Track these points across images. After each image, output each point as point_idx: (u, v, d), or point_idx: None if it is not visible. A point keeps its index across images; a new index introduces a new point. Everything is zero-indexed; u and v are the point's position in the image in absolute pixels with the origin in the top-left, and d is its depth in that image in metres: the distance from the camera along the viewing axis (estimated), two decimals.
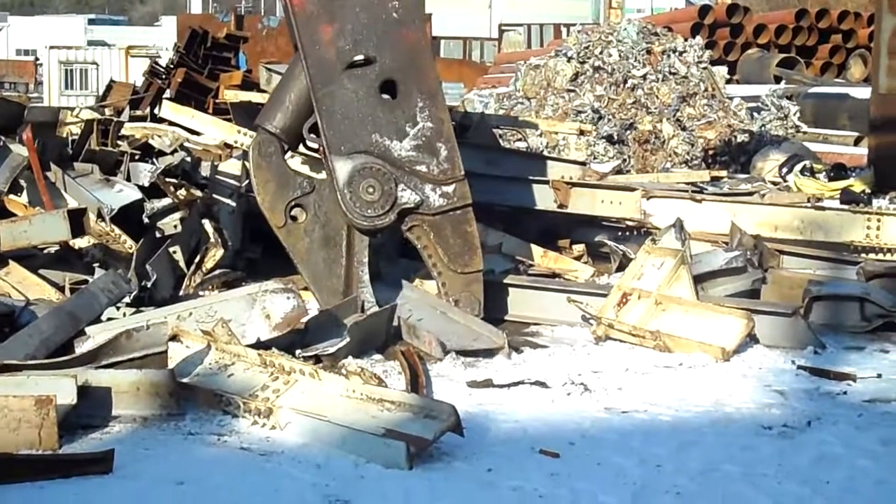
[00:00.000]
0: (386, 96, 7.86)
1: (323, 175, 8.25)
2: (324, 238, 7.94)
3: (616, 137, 17.74)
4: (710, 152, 18.14)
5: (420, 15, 7.94)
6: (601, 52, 18.96)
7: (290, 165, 8.23)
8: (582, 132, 15.96)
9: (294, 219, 7.93)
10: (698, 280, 8.33)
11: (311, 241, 7.93)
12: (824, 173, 15.07)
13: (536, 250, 10.02)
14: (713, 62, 20.78)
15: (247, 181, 10.77)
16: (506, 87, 21.76)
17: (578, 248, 10.41)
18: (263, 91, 12.43)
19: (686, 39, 19.86)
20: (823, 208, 11.25)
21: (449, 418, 5.67)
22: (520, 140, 17.44)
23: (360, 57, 7.74)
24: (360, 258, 7.98)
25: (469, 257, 8.03)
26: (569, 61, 19.16)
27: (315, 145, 8.11)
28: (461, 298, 8.00)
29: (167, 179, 9.82)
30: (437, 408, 5.83)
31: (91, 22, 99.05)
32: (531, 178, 10.86)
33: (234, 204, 10.05)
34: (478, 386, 6.85)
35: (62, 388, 5.65)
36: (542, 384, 6.87)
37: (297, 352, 6.89)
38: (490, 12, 70.59)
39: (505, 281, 8.96)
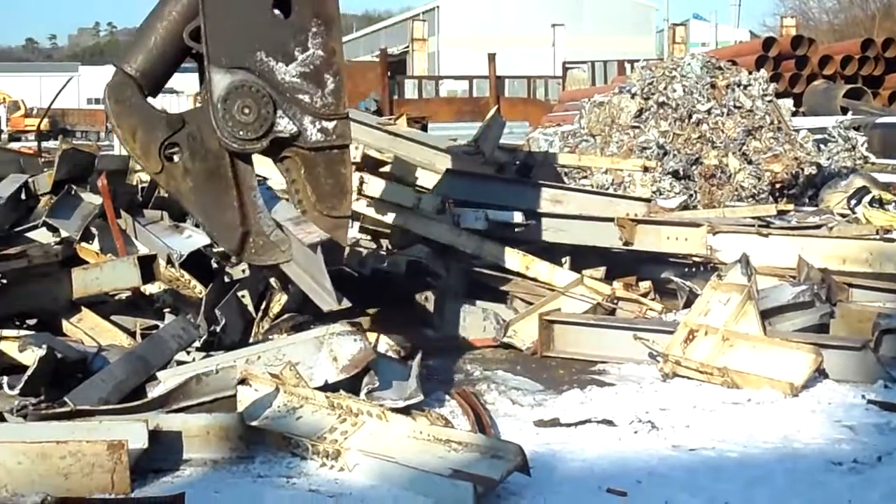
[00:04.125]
0: (279, 13, 7.32)
1: None
2: (207, 172, 7.38)
3: (682, 173, 17.67)
4: (778, 186, 18.00)
5: None
6: (665, 88, 18.91)
7: (152, 105, 7.53)
8: (646, 169, 15.93)
9: (170, 159, 7.36)
10: (766, 315, 8.29)
11: (195, 179, 7.38)
12: (893, 204, 14.91)
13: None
14: (779, 95, 20.65)
15: None
16: (570, 124, 21.76)
17: (645, 285, 10.37)
18: None
19: (751, 72, 19.75)
20: (892, 240, 11.09)
21: (516, 458, 5.69)
22: (585, 178, 17.44)
23: None
24: (250, 183, 7.50)
25: (338, 200, 7.51)
26: (633, 97, 19.13)
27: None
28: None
29: None
30: (504, 447, 5.85)
31: None
32: (597, 215, 10.87)
33: None
34: (545, 425, 6.86)
35: (134, 433, 5.75)
36: (609, 422, 6.86)
37: (362, 396, 6.92)
38: (554, 50, 70.69)
39: (572, 319, 8.98)
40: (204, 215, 7.54)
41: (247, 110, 7.17)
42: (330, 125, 7.36)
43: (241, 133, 7.22)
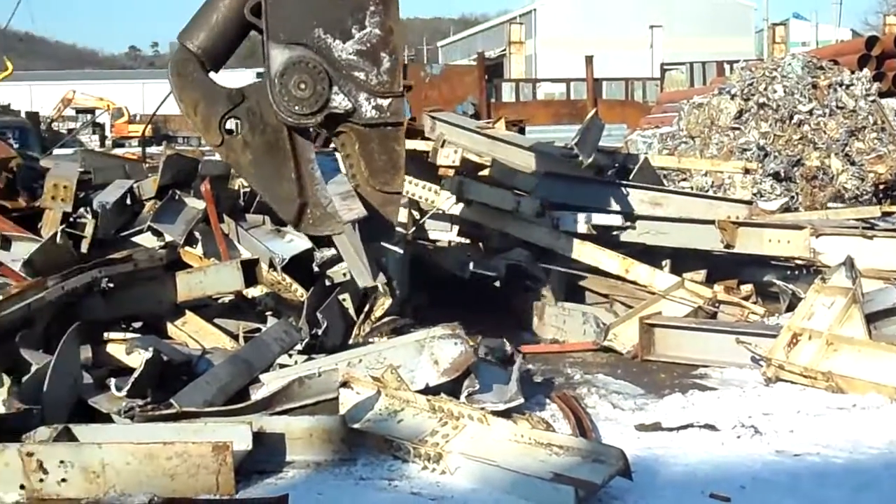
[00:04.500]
0: None
1: None
2: (266, 145, 7.61)
3: (783, 174, 17.46)
4: (881, 187, 17.72)
5: None
6: (766, 89, 18.71)
7: (214, 80, 7.78)
8: (747, 170, 15.76)
9: (230, 132, 7.63)
10: (871, 319, 8.17)
11: (254, 152, 7.62)
12: None
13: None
14: (882, 94, 20.30)
15: (413, 228, 10.95)
16: (669, 126, 21.60)
17: (746, 288, 10.27)
18: (427, 139, 12.57)
19: (853, 72, 19.46)
20: None
21: (618, 462, 5.67)
22: (684, 180, 17.30)
23: None
24: (308, 155, 7.69)
25: (391, 176, 7.68)
26: (732, 98, 18.95)
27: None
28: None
29: None
30: (606, 452, 5.83)
31: (259, 75, 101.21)
32: (697, 218, 10.79)
33: (401, 251, 10.19)
34: (646, 429, 6.83)
35: (238, 435, 5.82)
36: (712, 427, 6.81)
37: (462, 399, 6.92)
38: (651, 52, 70.26)
39: (673, 323, 8.92)
40: (263, 187, 7.77)
41: (303, 86, 7.37)
42: (385, 102, 7.52)
43: (296, 108, 7.42)
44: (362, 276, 7.48)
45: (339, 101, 7.46)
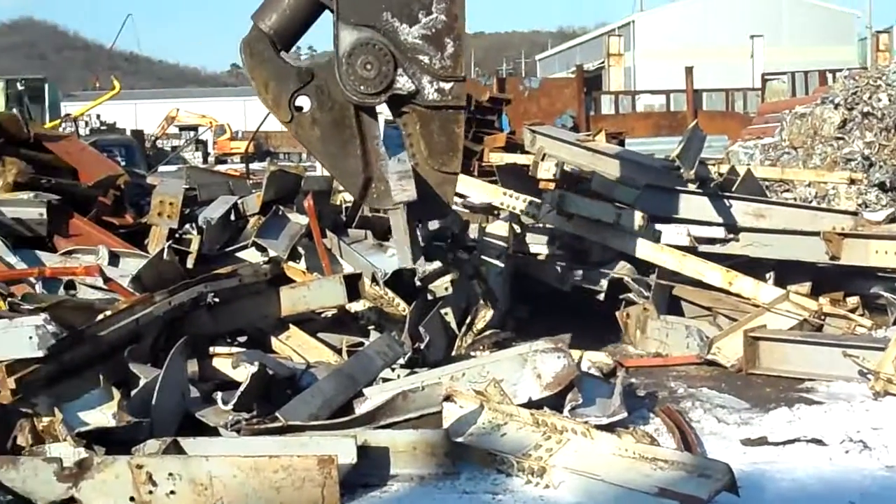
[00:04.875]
0: None
1: None
2: (333, 122, 7.93)
3: (889, 185, 17.18)
4: None
5: None
6: (870, 98, 18.45)
7: (284, 59, 8.10)
8: (852, 181, 15.54)
9: (300, 109, 7.94)
10: None
11: (322, 128, 7.94)
12: None
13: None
14: None
15: (514, 242, 10.95)
16: (771, 137, 21.39)
17: (853, 300, 10.12)
18: (527, 152, 12.58)
19: None
20: None
21: (724, 477, 5.61)
22: (787, 191, 17.10)
23: None
24: (373, 132, 8.00)
25: (449, 157, 7.95)
26: (836, 108, 18.71)
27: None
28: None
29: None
30: (712, 466, 5.78)
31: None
32: (801, 230, 10.66)
33: (502, 265, 10.20)
34: (752, 444, 6.75)
35: (343, 448, 5.85)
36: (819, 441, 6.71)
37: (565, 413, 6.90)
38: (752, 62, 69.58)
39: (778, 336, 8.82)
40: (330, 162, 8.12)
41: (369, 66, 7.69)
42: (447, 86, 7.82)
43: (361, 87, 7.76)
44: (404, 256, 7.87)
45: (403, 83, 7.77)
